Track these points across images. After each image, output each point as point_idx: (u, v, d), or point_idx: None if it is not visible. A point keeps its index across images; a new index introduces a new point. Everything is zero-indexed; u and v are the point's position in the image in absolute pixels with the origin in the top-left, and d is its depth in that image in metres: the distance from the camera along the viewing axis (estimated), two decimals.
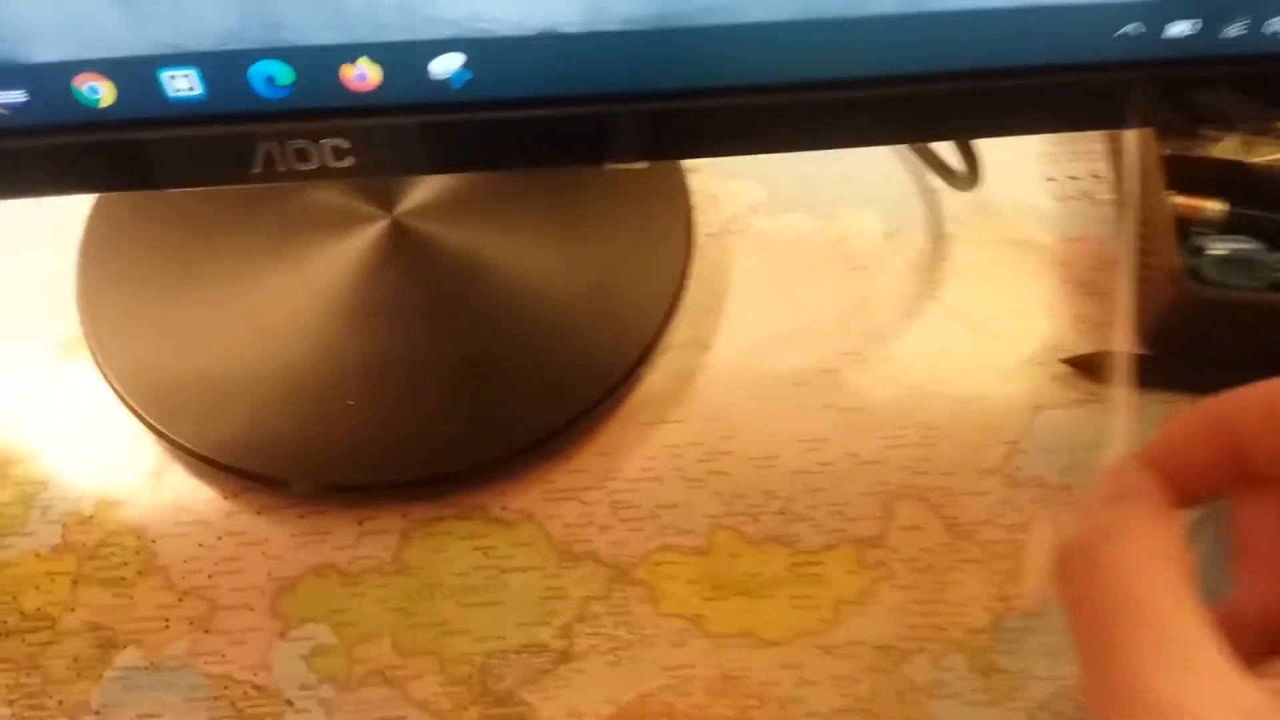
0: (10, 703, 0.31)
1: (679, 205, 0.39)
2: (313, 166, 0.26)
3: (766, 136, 0.27)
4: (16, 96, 0.24)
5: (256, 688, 0.31)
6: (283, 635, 0.32)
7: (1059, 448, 0.35)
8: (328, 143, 0.26)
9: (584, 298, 0.37)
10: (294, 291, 0.37)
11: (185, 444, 0.34)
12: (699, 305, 0.38)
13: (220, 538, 0.33)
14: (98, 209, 0.38)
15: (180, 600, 0.32)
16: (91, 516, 0.34)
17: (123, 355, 0.35)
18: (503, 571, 0.33)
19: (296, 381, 0.35)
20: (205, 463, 0.34)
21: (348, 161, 0.26)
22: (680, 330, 0.37)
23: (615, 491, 0.35)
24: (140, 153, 0.26)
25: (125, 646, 0.32)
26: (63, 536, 0.33)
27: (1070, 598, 0.18)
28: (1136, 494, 0.19)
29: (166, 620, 0.32)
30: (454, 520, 0.34)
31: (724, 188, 0.42)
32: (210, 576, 0.33)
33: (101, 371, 0.35)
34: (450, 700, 0.31)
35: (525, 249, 0.38)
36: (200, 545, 0.33)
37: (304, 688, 0.31)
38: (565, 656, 0.32)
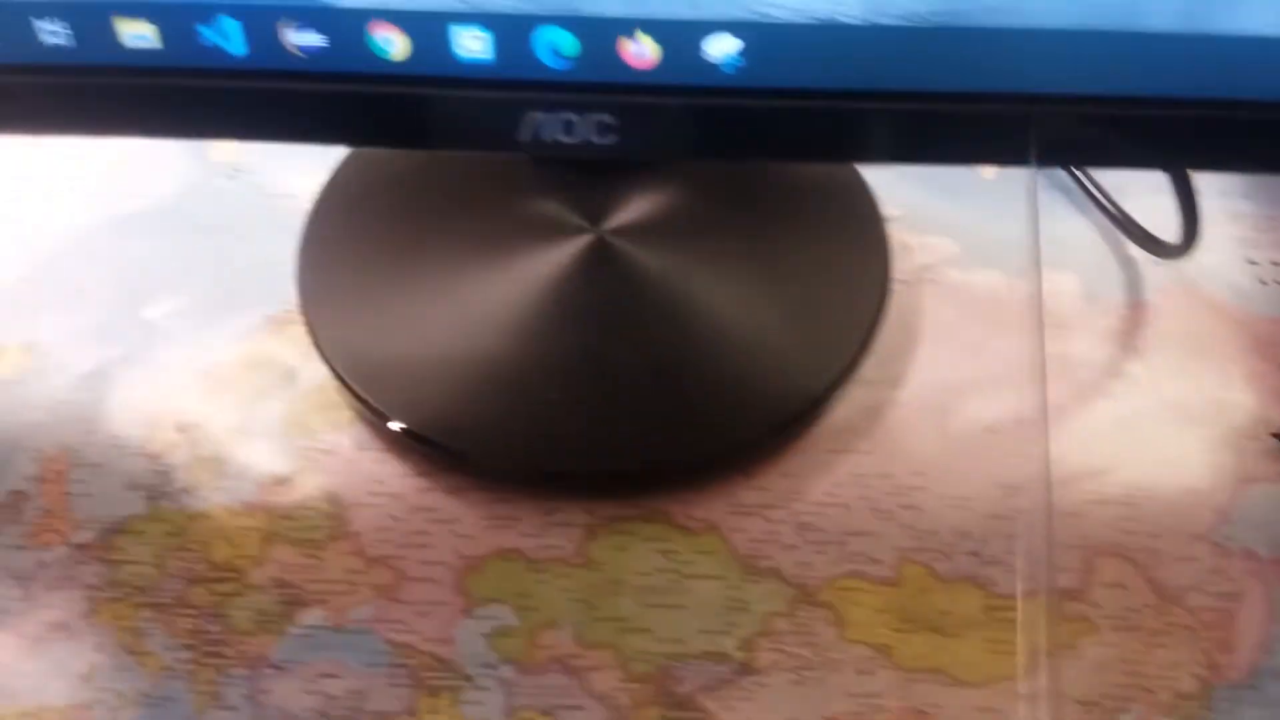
0: (191, 647, 0.31)
1: (877, 248, 0.39)
2: (575, 140, 0.27)
3: (1017, 147, 0.28)
4: (315, 40, 0.26)
5: (438, 660, 0.31)
6: (466, 612, 0.32)
7: (1270, 522, 0.34)
8: (594, 117, 0.27)
9: (778, 325, 0.38)
10: (502, 289, 0.38)
11: (388, 417, 0.34)
12: (890, 346, 0.38)
13: (412, 512, 0.34)
14: (322, 198, 0.40)
15: (368, 567, 0.33)
16: (288, 478, 0.35)
17: (336, 331, 0.36)
18: (684, 577, 0.33)
19: (499, 371, 0.36)
20: (407, 436, 0.34)
21: (610, 139, 0.27)
22: (871, 367, 0.37)
23: (800, 513, 0.34)
24: (419, 111, 0.27)
25: (310, 605, 0.32)
26: (258, 495, 0.34)
27: None
28: None
29: (353, 584, 0.32)
30: (638, 521, 0.34)
31: (917, 240, 0.42)
32: (399, 548, 0.33)
33: (315, 344, 0.36)
34: (629, 697, 0.30)
35: (723, 274, 0.39)
36: (392, 517, 0.34)
37: (485, 665, 0.31)
38: (747, 669, 0.31)
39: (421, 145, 0.28)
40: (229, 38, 0.26)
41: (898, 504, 0.34)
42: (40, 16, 0.26)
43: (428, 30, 0.26)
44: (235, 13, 0.25)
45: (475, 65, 0.26)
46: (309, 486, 0.34)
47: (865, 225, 0.40)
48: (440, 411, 0.35)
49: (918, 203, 0.43)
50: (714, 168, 0.40)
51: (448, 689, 0.30)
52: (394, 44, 0.26)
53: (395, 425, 0.34)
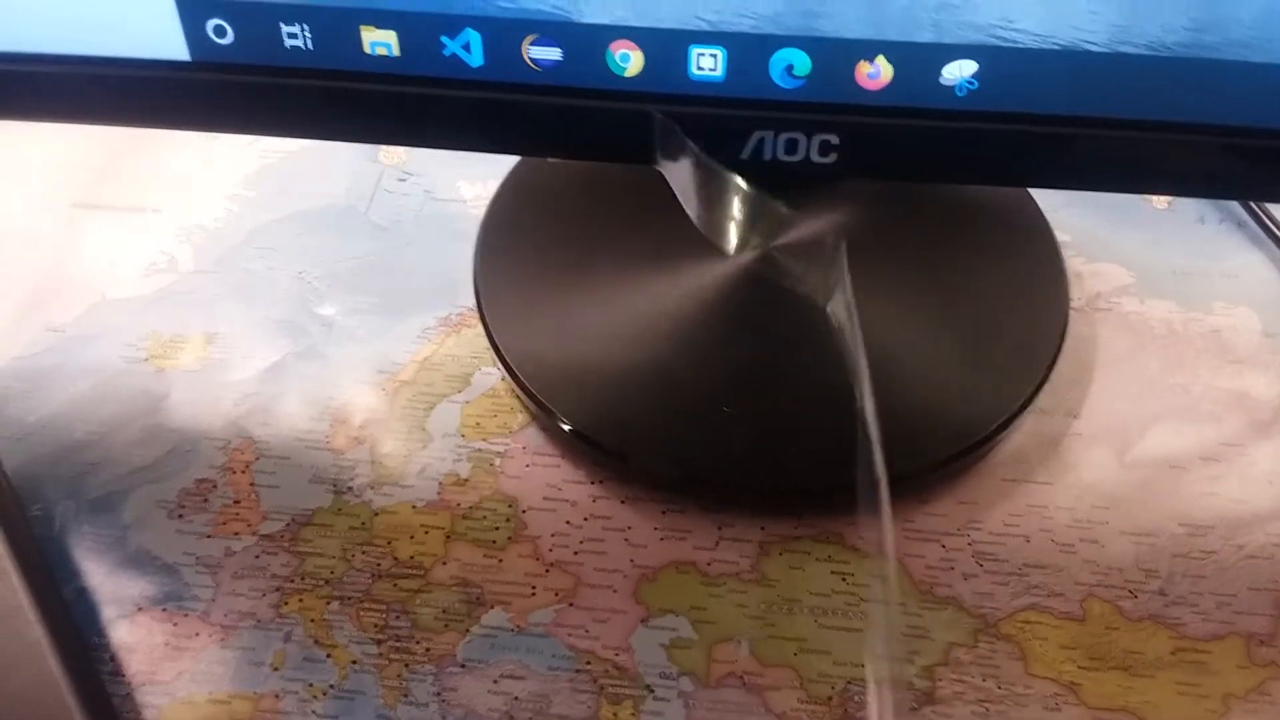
0: (379, 642, 0.32)
1: (1053, 273, 0.39)
2: (796, 159, 0.27)
3: (1206, 177, 0.27)
4: (553, 55, 0.26)
5: (618, 668, 0.31)
6: (644, 622, 0.32)
7: None
8: (820, 137, 0.27)
9: (954, 351, 0.37)
10: (673, 298, 0.38)
11: (562, 419, 0.35)
12: (1066, 375, 0.37)
13: (586, 519, 0.34)
14: (496, 203, 0.41)
15: (547, 571, 0.33)
16: (467, 480, 0.35)
17: (514, 334, 0.37)
18: (861, 600, 0.32)
19: (671, 381, 0.36)
20: (580, 441, 0.35)
21: (831, 158, 0.27)
22: (1046, 395, 0.36)
23: (978, 542, 0.34)
24: (643, 127, 0.27)
25: (492, 606, 0.32)
26: (439, 494, 0.35)
27: None
28: None
29: (533, 588, 0.33)
30: (812, 541, 0.34)
31: (1089, 267, 0.41)
32: (576, 554, 0.33)
33: (493, 346, 0.37)
34: (811, 718, 0.30)
35: (897, 296, 0.38)
36: (567, 523, 0.34)
37: (664, 676, 0.31)
38: (930, 698, 0.30)
39: (642, 161, 0.28)
40: (470, 49, 0.26)
41: (1079, 537, 0.34)
42: (289, 21, 0.26)
43: (666, 48, 0.26)
44: (481, 25, 0.26)
45: (706, 83, 0.26)
46: (486, 488, 0.35)
47: (1039, 249, 0.40)
48: (613, 418, 0.35)
49: (1087, 228, 0.42)
50: (894, 186, 0.39)
51: (629, 697, 0.30)
52: (630, 61, 0.26)
53: (566, 425, 0.35)
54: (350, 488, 0.35)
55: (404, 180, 0.44)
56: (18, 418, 0.37)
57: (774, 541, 0.34)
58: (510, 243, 0.40)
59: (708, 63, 0.26)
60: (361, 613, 0.32)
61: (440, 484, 0.35)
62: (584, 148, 0.28)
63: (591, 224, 0.41)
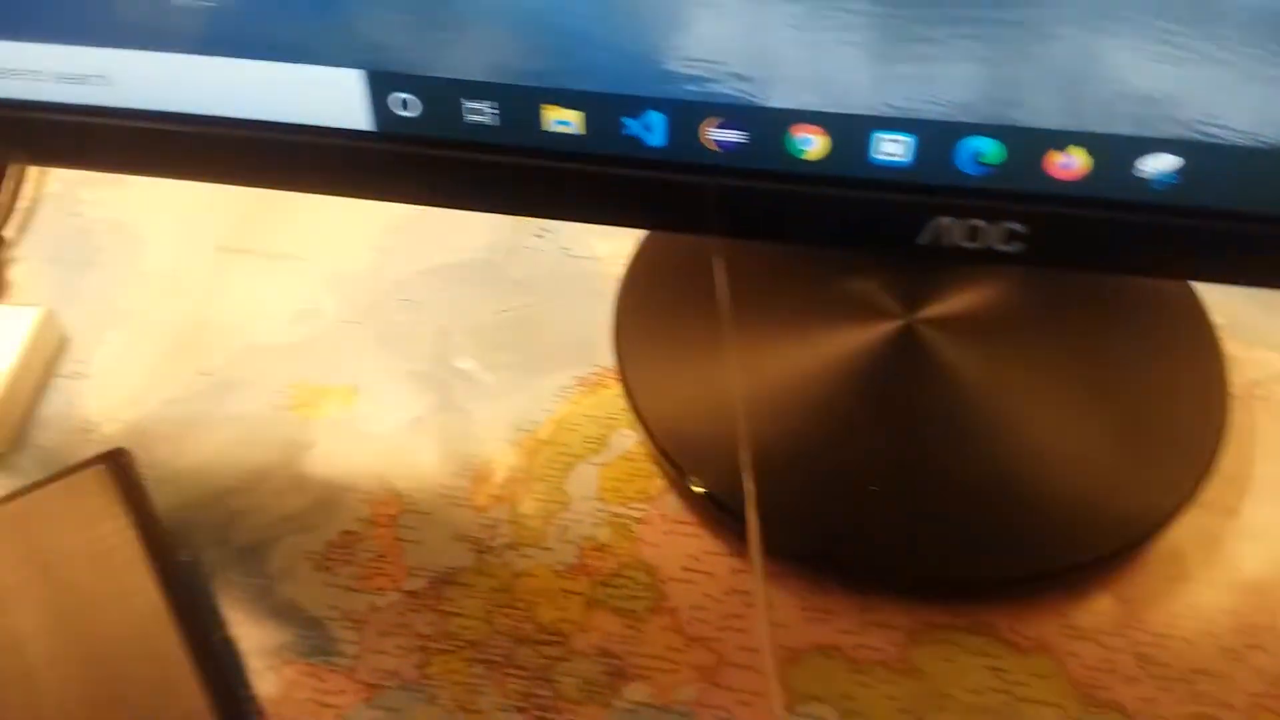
0: (522, 710, 0.32)
1: (1211, 361, 0.37)
2: (977, 246, 0.27)
3: None
4: (734, 137, 0.26)
5: None
6: (790, 708, 0.31)
7: None
8: (1004, 226, 0.26)
9: (1110, 438, 0.36)
10: (819, 368, 0.37)
11: (702, 488, 0.34)
12: (1226, 466, 0.36)
13: (727, 594, 0.34)
14: (635, 263, 0.41)
15: (688, 645, 0.32)
16: (606, 545, 0.35)
17: (654, 398, 0.37)
18: (1017, 699, 0.31)
19: (817, 453, 0.35)
20: (721, 511, 0.34)
21: (1014, 246, 0.27)
22: (1205, 489, 0.35)
23: (1140, 644, 0.32)
24: (820, 210, 0.27)
25: (634, 680, 0.32)
26: (579, 559, 0.35)
27: None
28: None
29: (675, 663, 0.32)
30: (963, 632, 0.33)
31: (1245, 353, 0.39)
32: (717, 629, 0.33)
33: (634, 409, 0.37)
34: None
35: (1047, 379, 0.37)
36: (707, 596, 0.34)
37: None
38: None
39: (815, 243, 0.28)
40: (651, 129, 0.26)
41: (1244, 643, 0.32)
42: (475, 98, 0.27)
43: (850, 133, 0.25)
44: (665, 107, 0.26)
45: (889, 168, 0.26)
46: (625, 555, 0.35)
47: (1196, 335, 0.38)
48: (762, 493, 0.34)
49: (1240, 310, 0.41)
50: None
51: None
52: (812, 144, 0.26)
53: (702, 490, 0.34)
54: (491, 547, 0.35)
55: (540, 236, 0.45)
56: (167, 461, 0.38)
57: (923, 629, 0.33)
58: (650, 303, 0.40)
59: (893, 148, 0.26)
60: (505, 679, 0.32)
61: (580, 548, 0.35)
62: (755, 229, 0.28)
63: (732, 284, 0.40)
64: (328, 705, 0.32)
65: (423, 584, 0.34)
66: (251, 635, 0.33)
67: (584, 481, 0.37)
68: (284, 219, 0.46)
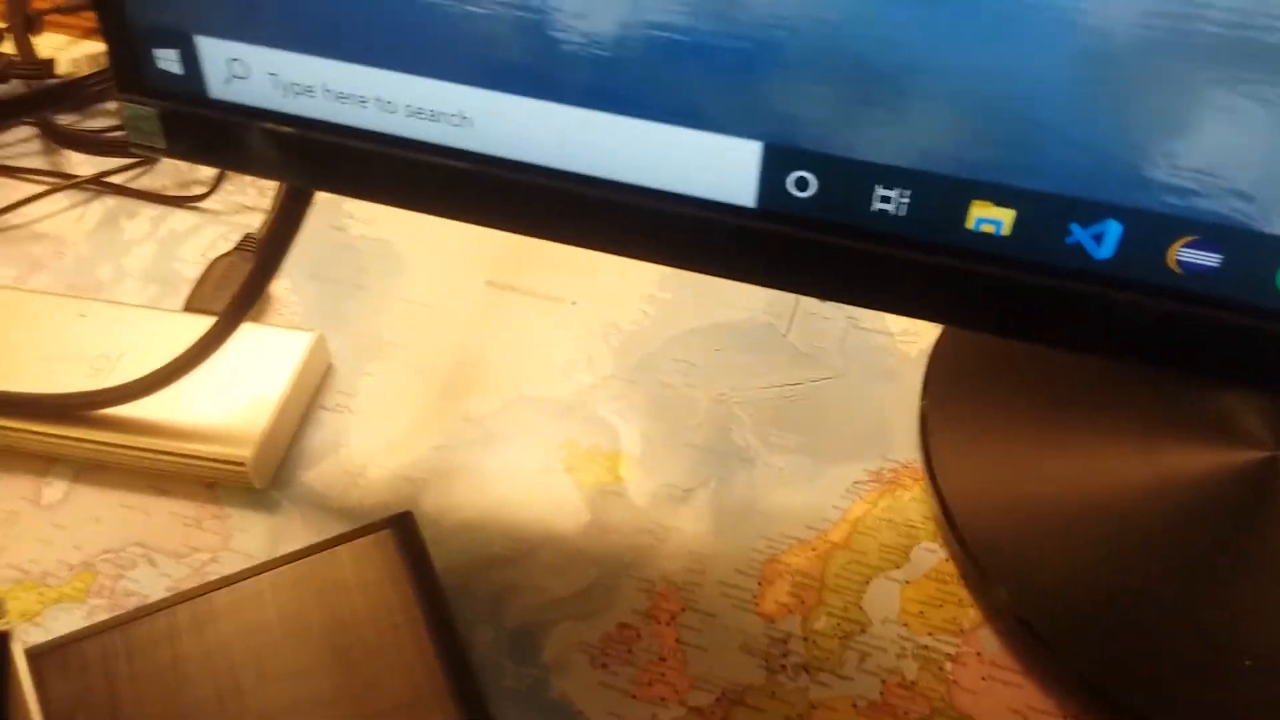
0: None
1: None
2: None
3: None
4: (1208, 260, 0.22)
5: None
6: None
7: None
8: None
9: None
10: (1156, 495, 0.32)
11: (1040, 638, 0.30)
12: None
13: None
14: (941, 348, 0.37)
15: None
16: (914, 683, 0.31)
17: (972, 512, 0.32)
18: None
19: (1173, 609, 0.30)
20: (1056, 663, 0.30)
21: None
22: None
23: None
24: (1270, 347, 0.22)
25: None
26: (882, 695, 0.31)
27: None
28: None
29: None
30: None
31: None
32: None
33: (947, 522, 0.32)
34: None
35: None
36: None
37: None
38: None
39: (1221, 378, 0.23)
40: (1101, 240, 0.22)
41: None
42: (889, 184, 0.23)
43: None
44: (1128, 217, 0.22)
45: None
46: (937, 699, 0.30)
47: None
48: (1099, 643, 0.30)
49: None
50: None
51: None
52: None
53: (1039, 639, 0.30)
54: (784, 666, 0.31)
55: (825, 302, 0.41)
56: (436, 517, 0.35)
57: None
58: (962, 399, 0.36)
59: None
60: None
61: (884, 682, 0.31)
62: (1158, 356, 0.23)
63: (1058, 383, 0.36)
64: None
65: (709, 700, 0.30)
66: None
67: (884, 600, 0.33)
68: (555, 256, 0.43)
